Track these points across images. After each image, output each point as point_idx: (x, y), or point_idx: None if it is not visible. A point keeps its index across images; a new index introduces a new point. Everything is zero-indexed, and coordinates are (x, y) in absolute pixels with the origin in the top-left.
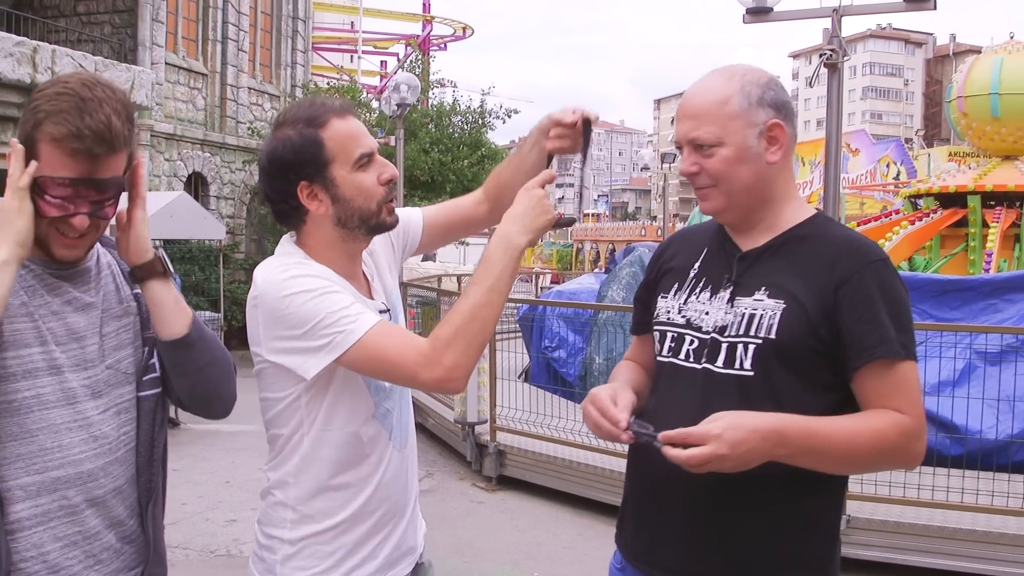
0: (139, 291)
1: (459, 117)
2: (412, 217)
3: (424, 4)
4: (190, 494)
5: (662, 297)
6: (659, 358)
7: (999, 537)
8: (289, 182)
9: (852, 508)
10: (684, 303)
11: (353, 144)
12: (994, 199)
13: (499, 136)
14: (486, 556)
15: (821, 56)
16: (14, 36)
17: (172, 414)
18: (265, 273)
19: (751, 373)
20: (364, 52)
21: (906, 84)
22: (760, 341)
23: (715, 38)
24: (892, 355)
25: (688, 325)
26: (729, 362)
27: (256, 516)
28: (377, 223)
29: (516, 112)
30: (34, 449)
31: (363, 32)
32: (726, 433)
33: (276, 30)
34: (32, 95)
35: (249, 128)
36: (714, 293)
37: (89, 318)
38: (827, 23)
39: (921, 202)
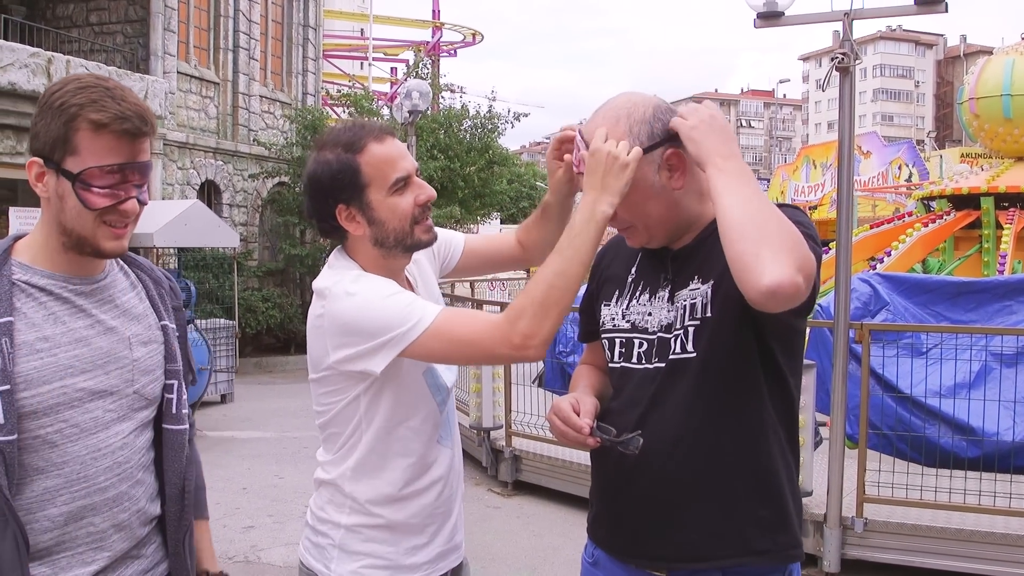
0: (166, 323)
1: (468, 122)
2: (454, 239)
3: (434, 11)
4: (207, 501)
5: (605, 305)
6: (611, 364)
7: (1017, 540)
8: (328, 204)
9: (869, 511)
10: (627, 308)
11: (390, 169)
12: (1007, 200)
13: (509, 141)
14: (503, 561)
15: (832, 59)
16: (29, 47)
17: None
18: (327, 287)
19: (693, 354)
20: (374, 59)
21: (917, 86)
22: (699, 322)
23: (720, 42)
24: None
25: (634, 328)
26: (676, 350)
27: (308, 508)
28: (413, 242)
29: (525, 115)
30: (60, 482)
31: (373, 39)
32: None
33: (287, 38)
34: (46, 99)
35: (255, 140)
36: (653, 294)
37: (112, 342)
38: (837, 26)
39: (934, 204)
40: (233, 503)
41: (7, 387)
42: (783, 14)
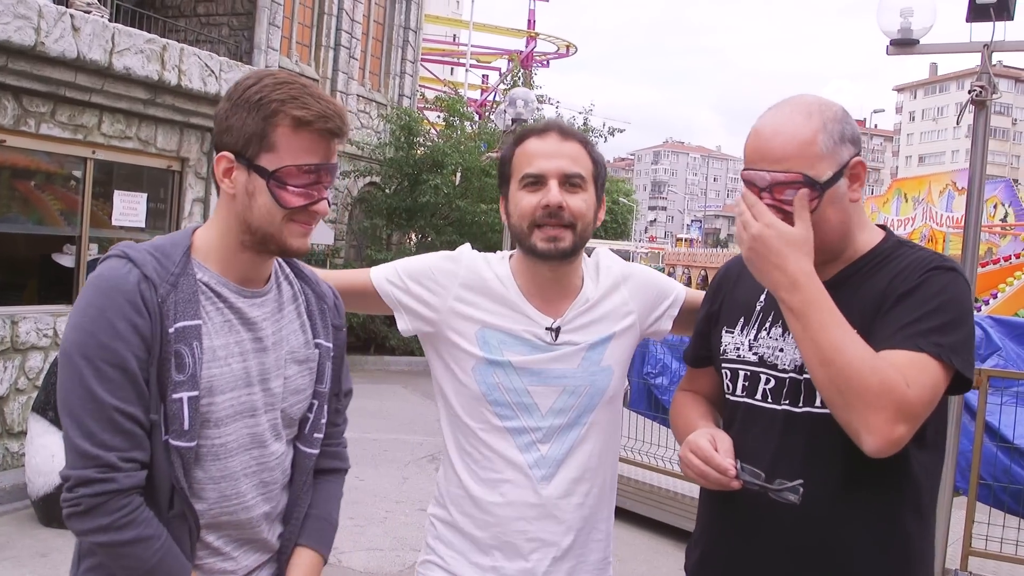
0: (320, 341)
1: None
2: (677, 286)
3: (529, 20)
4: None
5: (727, 332)
6: (731, 398)
7: None
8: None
9: (974, 565)
10: (754, 339)
11: (525, 162)
12: None
13: None
14: None
15: (970, 92)
16: (145, 33)
17: None
18: None
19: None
20: (469, 66)
21: (1014, 123)
22: None
23: (810, 67)
24: (917, 349)
25: (762, 363)
26: (809, 400)
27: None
28: (529, 246)
29: (621, 131)
30: (215, 496)
31: (469, 46)
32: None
33: (387, 39)
34: (240, 93)
35: (348, 139)
36: (786, 328)
37: (273, 358)
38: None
39: None
40: None
41: (195, 393)
42: (918, 42)
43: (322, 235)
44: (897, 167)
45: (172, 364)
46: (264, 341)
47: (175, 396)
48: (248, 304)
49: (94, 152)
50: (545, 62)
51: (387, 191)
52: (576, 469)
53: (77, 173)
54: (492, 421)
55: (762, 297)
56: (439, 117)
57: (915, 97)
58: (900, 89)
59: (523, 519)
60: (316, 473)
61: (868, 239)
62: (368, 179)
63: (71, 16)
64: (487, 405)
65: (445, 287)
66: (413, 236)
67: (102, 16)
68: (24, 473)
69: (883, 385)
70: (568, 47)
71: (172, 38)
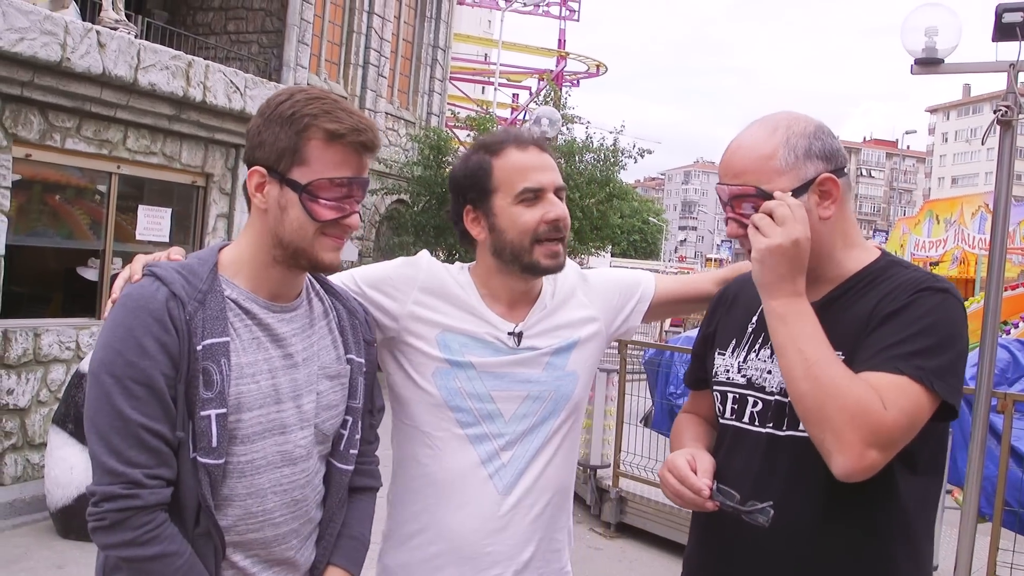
0: (351, 356)
1: (591, 155)
2: (644, 280)
3: (559, 40)
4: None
5: (719, 354)
6: (722, 420)
7: None
8: (459, 203)
9: None
10: (744, 361)
11: (520, 177)
12: None
13: (626, 175)
14: None
15: (995, 111)
16: (171, 50)
17: None
18: None
19: None
20: (499, 85)
21: None
22: None
23: (839, 87)
24: (897, 372)
25: (750, 385)
26: (792, 423)
27: None
28: (530, 262)
29: (650, 152)
30: (240, 513)
31: (499, 65)
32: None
33: (416, 58)
34: (272, 109)
35: (376, 157)
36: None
37: (305, 374)
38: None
39: None
40: None
41: (223, 410)
42: (943, 61)
43: (347, 251)
44: (929, 188)
45: (200, 381)
46: (294, 357)
47: (203, 413)
48: (277, 320)
49: (119, 167)
50: (576, 81)
51: (415, 208)
52: (537, 478)
53: (102, 188)
54: (453, 429)
55: (754, 319)
56: (468, 136)
57: (948, 118)
58: (933, 110)
59: (482, 532)
60: (349, 491)
61: (858, 258)
62: (396, 197)
63: (97, 32)
64: (448, 412)
65: (404, 292)
66: (441, 254)
67: (130, 33)
68: (44, 485)
69: (859, 405)
70: (599, 66)
71: (202, 55)
